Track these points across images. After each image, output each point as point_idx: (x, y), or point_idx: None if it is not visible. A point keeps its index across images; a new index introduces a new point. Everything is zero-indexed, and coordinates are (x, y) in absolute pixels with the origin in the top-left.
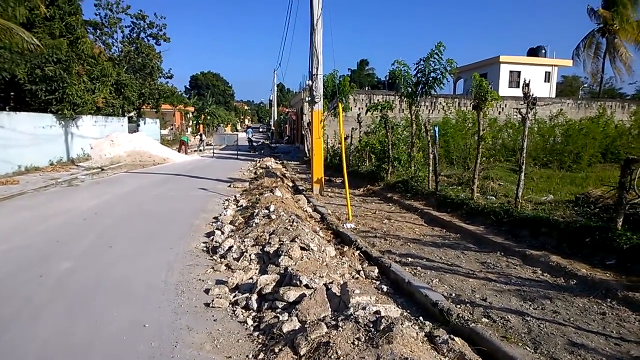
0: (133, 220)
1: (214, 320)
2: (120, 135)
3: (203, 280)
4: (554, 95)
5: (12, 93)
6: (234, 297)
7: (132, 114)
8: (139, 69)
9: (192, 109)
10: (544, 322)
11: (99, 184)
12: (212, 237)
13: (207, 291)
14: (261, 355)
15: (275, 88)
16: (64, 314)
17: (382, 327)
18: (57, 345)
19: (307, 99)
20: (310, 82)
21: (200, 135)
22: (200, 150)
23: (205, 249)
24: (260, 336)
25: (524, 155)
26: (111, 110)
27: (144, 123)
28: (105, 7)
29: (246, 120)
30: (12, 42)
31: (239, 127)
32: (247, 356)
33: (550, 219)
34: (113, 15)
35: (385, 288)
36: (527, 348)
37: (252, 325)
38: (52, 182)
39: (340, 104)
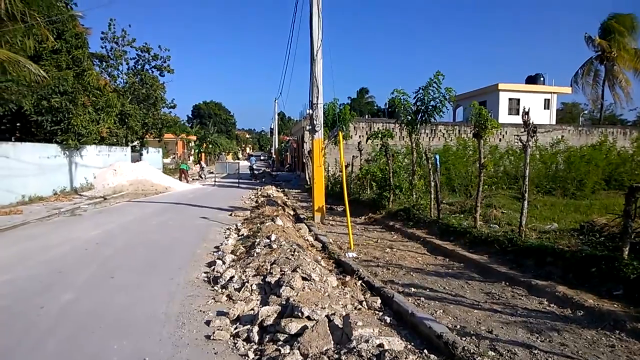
0: (134, 250)
1: (215, 354)
2: (123, 164)
3: (204, 312)
4: (554, 122)
5: (18, 124)
6: (235, 329)
7: (135, 143)
8: (143, 99)
9: (194, 137)
10: (552, 356)
11: (101, 214)
12: (213, 267)
13: (208, 323)
14: None
15: (276, 116)
16: (64, 346)
17: None
18: None
19: (307, 127)
20: (310, 111)
21: (201, 163)
22: (202, 179)
23: (206, 279)
24: None
25: (527, 182)
26: (115, 140)
27: (147, 152)
28: (112, 40)
29: (247, 149)
30: (20, 75)
31: (240, 156)
32: None
33: (555, 248)
34: (119, 48)
35: (388, 319)
36: None
37: (253, 358)
38: (55, 212)
39: (340, 133)
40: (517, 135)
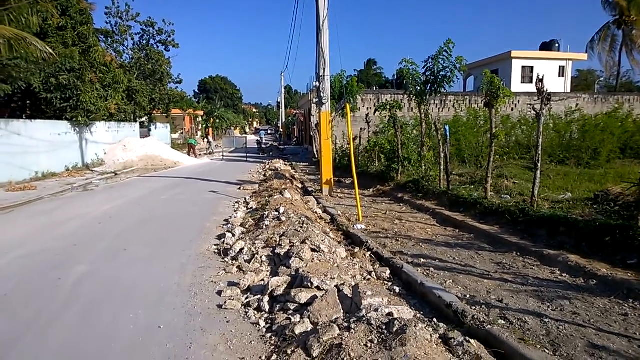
0: (146, 224)
1: (227, 322)
2: (132, 140)
3: (215, 282)
4: (568, 90)
5: (28, 101)
6: (246, 298)
7: (143, 119)
8: (149, 75)
9: (201, 112)
10: (563, 324)
11: (113, 189)
12: (223, 240)
13: (219, 293)
14: (274, 357)
15: (283, 90)
16: (81, 316)
17: (395, 329)
18: (75, 345)
19: (314, 100)
20: (317, 84)
21: (208, 138)
22: (210, 153)
23: (216, 251)
24: (273, 338)
25: (540, 152)
26: (123, 116)
27: (155, 128)
28: (116, 15)
29: (255, 123)
30: (27, 52)
31: (247, 130)
32: (260, 357)
33: (568, 218)
34: (123, 23)
35: (397, 289)
36: (546, 350)
37: (264, 326)
38: (68, 187)
39: (348, 105)
40: (530, 104)
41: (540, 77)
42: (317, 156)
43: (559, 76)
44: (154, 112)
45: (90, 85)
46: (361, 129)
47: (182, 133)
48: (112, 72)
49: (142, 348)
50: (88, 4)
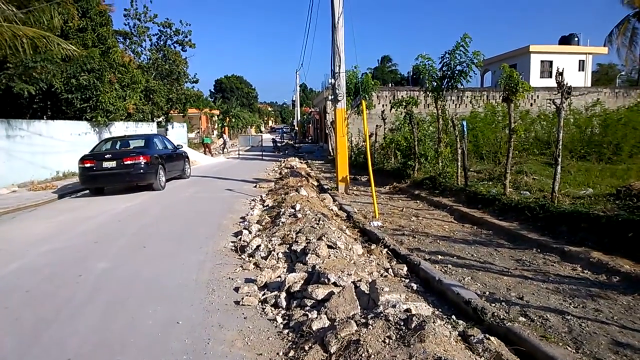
0: (165, 221)
1: (244, 318)
2: None
3: (232, 279)
4: (589, 85)
5: (49, 102)
6: (263, 295)
7: (160, 118)
8: (166, 75)
9: (217, 112)
10: (585, 321)
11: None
12: (240, 237)
13: (236, 289)
14: (292, 353)
15: (298, 88)
16: (102, 311)
17: (413, 325)
18: (96, 340)
19: (330, 97)
20: (332, 81)
21: (224, 137)
22: (225, 152)
23: (233, 248)
24: (290, 334)
25: (560, 147)
26: (141, 116)
27: (172, 127)
28: (134, 17)
29: (270, 122)
30: (51, 51)
31: (262, 129)
32: (277, 353)
33: (590, 214)
34: (141, 24)
35: (415, 286)
36: (568, 348)
37: (281, 323)
38: None
39: (363, 102)
40: (550, 99)
41: (560, 70)
42: (332, 154)
43: (579, 70)
44: (171, 111)
45: (109, 85)
46: (377, 126)
47: (198, 132)
48: (130, 73)
49: (162, 342)
50: (107, 6)
